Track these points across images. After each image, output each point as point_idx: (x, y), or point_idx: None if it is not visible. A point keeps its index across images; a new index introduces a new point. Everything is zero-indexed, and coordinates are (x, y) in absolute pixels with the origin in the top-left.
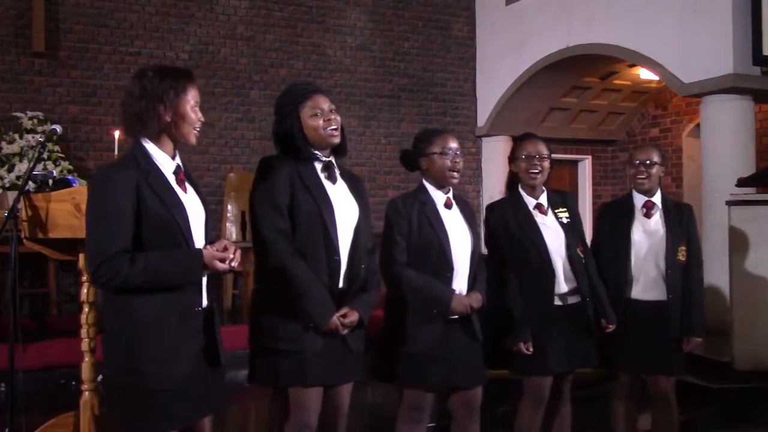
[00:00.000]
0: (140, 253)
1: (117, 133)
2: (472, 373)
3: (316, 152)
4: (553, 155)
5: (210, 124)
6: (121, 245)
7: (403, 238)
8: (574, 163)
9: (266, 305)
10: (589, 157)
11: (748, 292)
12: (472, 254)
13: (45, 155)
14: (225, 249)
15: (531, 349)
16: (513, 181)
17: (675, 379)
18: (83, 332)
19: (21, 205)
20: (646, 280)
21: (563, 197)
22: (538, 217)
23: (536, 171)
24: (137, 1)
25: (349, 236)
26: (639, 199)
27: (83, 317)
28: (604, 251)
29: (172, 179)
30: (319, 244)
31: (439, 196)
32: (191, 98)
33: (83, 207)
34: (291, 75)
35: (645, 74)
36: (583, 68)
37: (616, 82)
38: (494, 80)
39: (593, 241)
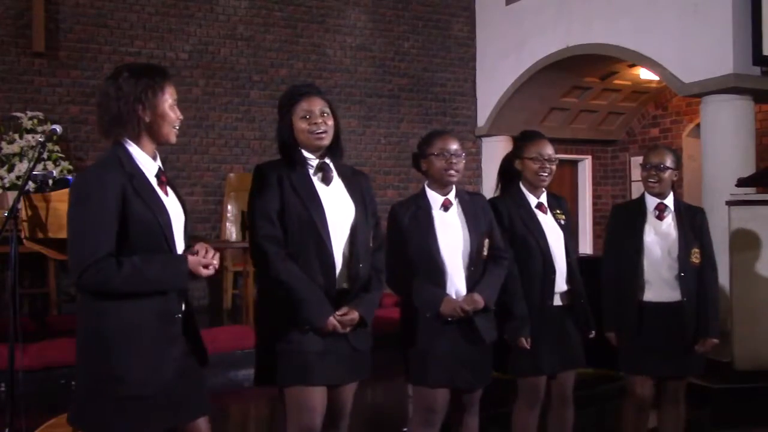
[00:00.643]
0: (126, 258)
1: None
2: (473, 375)
3: (307, 155)
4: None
5: (210, 124)
6: (107, 249)
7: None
8: (574, 163)
9: (267, 308)
10: (589, 157)
11: (748, 292)
12: (470, 254)
13: (45, 155)
14: (206, 252)
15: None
16: (512, 178)
17: (687, 380)
18: None
19: (21, 205)
20: (660, 283)
21: (558, 201)
22: (540, 216)
23: (546, 174)
24: (137, 1)
25: (345, 236)
26: (651, 201)
27: None
28: (616, 253)
29: (154, 182)
30: (311, 246)
31: (436, 198)
32: (169, 97)
33: None
34: (291, 75)
35: (645, 74)
36: (583, 68)
37: (616, 82)
38: (494, 80)
39: (604, 242)
